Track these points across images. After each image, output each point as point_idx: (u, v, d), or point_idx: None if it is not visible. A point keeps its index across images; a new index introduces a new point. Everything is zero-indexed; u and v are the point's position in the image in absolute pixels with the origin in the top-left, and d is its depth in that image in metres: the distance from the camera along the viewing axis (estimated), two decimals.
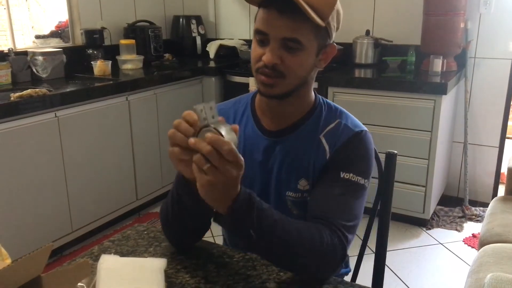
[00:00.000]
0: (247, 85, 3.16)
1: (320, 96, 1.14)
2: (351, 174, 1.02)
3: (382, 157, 1.24)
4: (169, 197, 1.00)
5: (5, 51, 2.77)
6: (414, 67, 3.02)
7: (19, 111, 2.22)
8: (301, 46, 0.98)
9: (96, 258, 0.99)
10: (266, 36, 0.98)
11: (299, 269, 0.95)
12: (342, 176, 1.01)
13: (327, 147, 1.07)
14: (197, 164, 0.76)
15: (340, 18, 1.04)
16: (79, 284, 0.84)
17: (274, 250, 0.90)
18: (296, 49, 0.98)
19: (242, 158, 0.77)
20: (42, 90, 2.37)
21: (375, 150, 1.16)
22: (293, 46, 0.97)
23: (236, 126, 0.80)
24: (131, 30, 3.46)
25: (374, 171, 1.13)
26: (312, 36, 0.98)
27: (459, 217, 3.03)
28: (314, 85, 1.11)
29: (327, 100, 1.15)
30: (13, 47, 2.87)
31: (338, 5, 1.01)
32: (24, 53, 2.83)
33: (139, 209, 3.13)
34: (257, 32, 1.00)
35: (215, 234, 2.67)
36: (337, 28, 1.05)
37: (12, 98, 2.25)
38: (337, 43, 1.10)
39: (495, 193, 3.20)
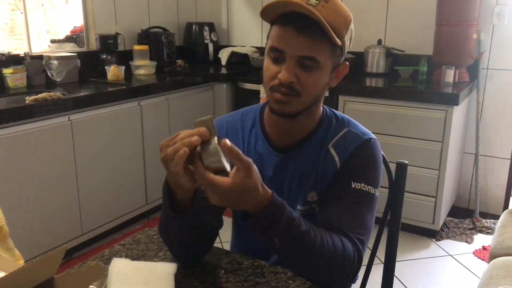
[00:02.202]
0: (258, 92, 3.18)
1: (326, 107, 1.15)
2: (362, 184, 1.02)
3: (393, 167, 1.24)
4: (163, 221, 1.00)
5: (21, 55, 2.81)
6: (426, 77, 3.00)
7: (34, 114, 2.26)
8: (317, 65, 0.97)
9: (107, 261, 1.00)
10: (282, 54, 0.97)
11: (316, 279, 0.95)
12: (353, 186, 1.02)
13: (336, 157, 1.07)
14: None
15: (352, 36, 1.04)
16: (90, 286, 0.85)
17: (295, 260, 0.91)
18: (312, 68, 0.97)
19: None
20: (56, 93, 2.40)
21: (385, 159, 1.16)
22: (310, 65, 0.97)
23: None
24: (145, 36, 3.49)
25: (384, 181, 1.13)
26: (328, 55, 0.98)
27: (469, 229, 3.00)
28: (325, 93, 1.11)
29: (334, 111, 1.16)
30: (28, 51, 2.91)
31: (352, 23, 1.01)
32: (40, 57, 2.88)
33: (148, 214, 3.14)
34: (273, 49, 0.99)
35: (223, 240, 2.67)
36: (349, 46, 1.05)
37: (27, 101, 2.29)
38: (348, 52, 1.11)
39: (506, 206, 3.17)
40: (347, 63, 1.07)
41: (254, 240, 1.20)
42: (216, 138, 0.81)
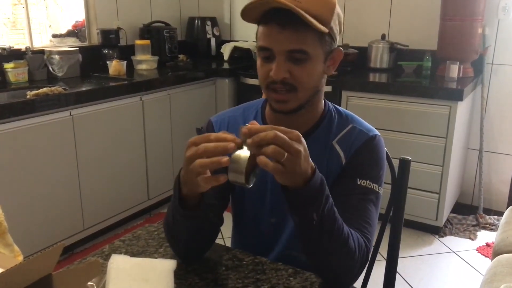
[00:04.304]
0: (260, 87, 3.15)
1: (329, 103, 1.14)
2: (368, 181, 1.02)
3: (396, 163, 1.23)
4: (169, 217, 0.99)
5: (22, 50, 2.81)
6: (430, 73, 2.98)
7: (35, 109, 2.25)
8: (307, 56, 0.96)
9: (107, 258, 0.99)
10: (270, 51, 0.97)
11: (331, 268, 0.94)
12: (359, 183, 1.02)
13: (341, 153, 1.06)
14: (276, 156, 0.78)
15: (342, 20, 1.03)
16: (89, 283, 0.84)
17: (324, 240, 0.89)
18: (303, 60, 0.97)
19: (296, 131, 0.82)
20: (57, 88, 2.39)
21: (388, 155, 1.15)
22: (300, 57, 0.96)
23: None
24: (147, 31, 3.48)
25: (388, 177, 1.12)
26: (317, 44, 0.97)
27: (473, 225, 2.99)
28: (328, 89, 1.10)
29: (337, 106, 1.15)
30: (30, 46, 2.90)
31: (337, 8, 1.00)
32: (41, 52, 2.87)
33: (150, 209, 3.14)
34: (261, 49, 0.99)
35: (225, 236, 2.66)
36: (340, 31, 1.04)
37: (28, 96, 2.28)
38: (352, 47, 1.10)
39: (510, 202, 3.14)
40: (341, 48, 1.06)
41: (250, 239, 1.20)
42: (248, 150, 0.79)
